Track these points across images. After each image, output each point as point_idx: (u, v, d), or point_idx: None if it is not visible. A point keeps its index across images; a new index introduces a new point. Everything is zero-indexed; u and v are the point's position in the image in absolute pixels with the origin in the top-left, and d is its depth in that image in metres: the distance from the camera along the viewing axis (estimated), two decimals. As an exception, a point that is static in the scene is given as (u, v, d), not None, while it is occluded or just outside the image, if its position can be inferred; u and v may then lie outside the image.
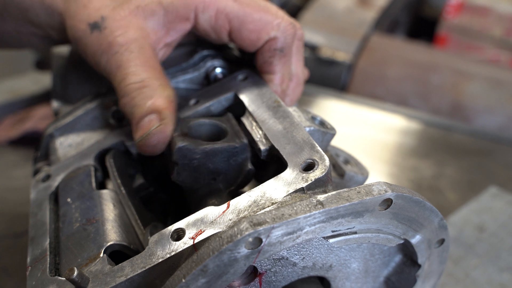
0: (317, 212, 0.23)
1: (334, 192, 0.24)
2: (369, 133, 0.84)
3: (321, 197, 0.23)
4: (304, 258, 0.27)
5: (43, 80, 0.90)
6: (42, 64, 0.79)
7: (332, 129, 0.33)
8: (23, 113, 0.84)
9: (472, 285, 0.47)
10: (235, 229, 0.22)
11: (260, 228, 0.22)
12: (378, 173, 0.72)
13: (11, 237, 0.60)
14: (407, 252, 0.31)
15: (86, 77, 0.41)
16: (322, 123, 0.33)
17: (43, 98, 0.86)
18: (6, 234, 0.60)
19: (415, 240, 0.28)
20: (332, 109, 0.96)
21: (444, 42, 1.67)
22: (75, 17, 0.34)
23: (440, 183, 0.70)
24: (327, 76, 1.28)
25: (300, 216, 0.22)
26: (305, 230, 0.23)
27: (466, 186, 0.70)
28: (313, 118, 0.33)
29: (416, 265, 0.31)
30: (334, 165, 0.35)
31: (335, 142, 0.35)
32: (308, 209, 0.23)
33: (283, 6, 1.62)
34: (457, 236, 0.54)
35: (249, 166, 0.30)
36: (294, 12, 1.63)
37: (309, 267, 0.28)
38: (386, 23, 1.47)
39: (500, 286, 0.47)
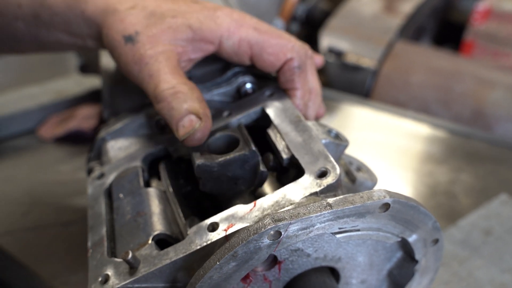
0: (326, 212, 0.28)
1: (341, 197, 0.29)
2: (389, 139, 0.88)
3: (330, 200, 0.29)
4: (316, 250, 0.32)
5: (85, 83, 0.98)
6: (85, 68, 0.87)
7: (346, 141, 0.38)
8: (67, 112, 0.91)
9: (475, 283, 0.51)
10: (260, 223, 0.28)
11: (280, 223, 0.27)
12: (395, 178, 0.76)
13: (59, 226, 0.67)
14: (406, 250, 0.36)
15: (130, 90, 0.48)
16: (337, 136, 0.38)
17: (85, 99, 0.94)
18: (54, 223, 0.68)
19: (411, 239, 0.33)
20: (356, 114, 1.00)
21: (471, 48, 1.67)
22: (111, 28, 0.39)
23: (455, 188, 0.74)
24: (353, 82, 1.32)
25: (313, 215, 0.28)
26: (316, 227, 0.28)
27: (480, 192, 0.73)
28: (329, 132, 0.38)
29: (414, 261, 0.35)
30: (347, 172, 0.40)
31: (356, 146, 0.40)
32: (319, 209, 0.28)
33: (311, 12, 1.66)
34: (464, 239, 0.58)
35: (262, 168, 0.35)
36: (322, 17, 1.66)
37: (321, 258, 0.33)
38: (411, 30, 1.49)
39: (501, 285, 0.51)
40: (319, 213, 0.28)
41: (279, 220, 0.28)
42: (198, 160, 0.36)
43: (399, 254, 0.37)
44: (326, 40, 1.35)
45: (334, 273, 0.36)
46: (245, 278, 0.32)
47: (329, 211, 0.28)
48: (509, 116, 1.10)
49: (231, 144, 0.38)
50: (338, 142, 0.37)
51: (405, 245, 0.35)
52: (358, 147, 0.83)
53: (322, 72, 1.59)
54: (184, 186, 0.40)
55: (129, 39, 0.39)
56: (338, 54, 1.32)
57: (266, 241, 0.28)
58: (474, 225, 0.60)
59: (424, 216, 0.32)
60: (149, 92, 0.39)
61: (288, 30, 1.65)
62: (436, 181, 0.75)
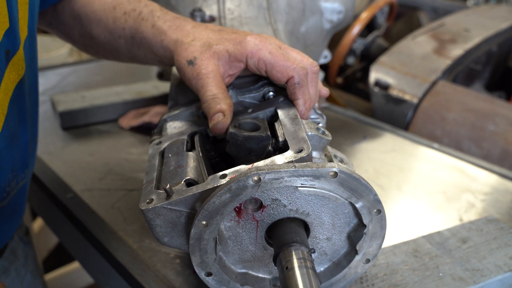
0: (291, 169, 0.43)
1: (304, 163, 0.44)
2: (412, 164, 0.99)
3: (297, 163, 0.44)
4: (290, 203, 0.47)
5: (160, 87, 1.20)
6: (161, 75, 1.08)
7: (329, 135, 0.53)
8: (143, 109, 1.13)
9: (438, 274, 0.62)
10: (248, 170, 0.43)
11: (260, 171, 0.43)
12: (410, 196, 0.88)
13: (125, 190, 0.86)
14: (359, 217, 0.49)
15: (187, 90, 0.66)
16: (323, 132, 0.53)
17: (159, 99, 1.15)
18: (122, 188, 0.87)
19: (358, 205, 0.47)
20: (394, 143, 1.12)
21: (522, 95, 1.71)
22: (180, 55, 0.57)
23: (456, 206, 0.84)
24: (394, 113, 1.43)
25: (282, 169, 0.43)
26: (285, 179, 0.44)
27: (478, 215, 0.83)
28: (317, 129, 0.53)
29: (363, 225, 0.49)
30: (330, 161, 0.55)
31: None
32: (287, 167, 0.43)
33: (368, 47, 1.80)
34: (442, 242, 0.69)
35: (270, 148, 0.51)
36: (378, 53, 1.80)
37: (294, 210, 0.48)
38: (462, 73, 1.58)
39: (459, 279, 0.62)
40: (287, 169, 0.43)
41: (260, 170, 0.43)
42: (232, 129, 0.52)
43: (355, 221, 0.50)
44: (375, 73, 1.48)
45: (306, 228, 0.50)
46: (239, 213, 0.48)
47: (293, 169, 0.43)
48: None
49: (254, 128, 0.54)
50: (322, 136, 0.52)
51: (357, 214, 0.49)
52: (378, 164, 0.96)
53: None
54: (214, 157, 0.57)
55: (190, 62, 0.57)
56: (384, 87, 1.44)
57: (250, 182, 0.43)
58: (454, 233, 0.71)
59: (366, 188, 0.46)
60: (200, 96, 0.56)
61: (345, 62, 1.80)
62: (446, 202, 0.86)
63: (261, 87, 0.62)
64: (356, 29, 1.65)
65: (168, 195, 0.48)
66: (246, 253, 0.51)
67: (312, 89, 0.57)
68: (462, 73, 1.54)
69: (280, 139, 0.51)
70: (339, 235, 0.51)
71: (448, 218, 0.82)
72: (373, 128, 1.16)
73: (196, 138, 0.57)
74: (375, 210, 0.48)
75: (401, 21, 2.25)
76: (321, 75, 1.10)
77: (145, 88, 1.18)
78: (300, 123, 0.52)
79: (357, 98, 1.89)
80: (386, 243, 0.69)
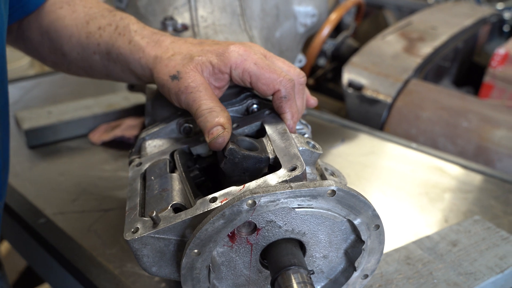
0: (288, 190, 0.41)
1: (301, 183, 0.42)
2: (396, 166, 0.99)
3: (292, 183, 0.42)
4: (286, 223, 0.45)
5: (132, 98, 1.15)
6: (132, 87, 1.03)
7: (319, 149, 0.51)
8: (115, 122, 1.08)
9: (432, 281, 0.61)
10: (242, 194, 0.41)
11: (255, 195, 0.40)
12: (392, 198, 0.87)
13: (101, 211, 0.82)
14: (357, 233, 0.47)
15: (166, 104, 0.62)
16: (314, 146, 0.51)
17: (131, 111, 1.10)
18: (97, 209, 0.82)
19: (356, 222, 0.45)
20: (367, 142, 1.11)
21: (489, 90, 1.75)
22: (160, 72, 0.54)
23: (440, 207, 0.84)
24: (369, 113, 1.44)
25: (278, 191, 0.41)
26: (281, 201, 0.41)
27: (462, 214, 0.83)
28: (307, 142, 0.51)
29: (361, 241, 0.47)
30: (321, 175, 0.53)
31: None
32: (283, 188, 0.41)
33: (338, 47, 1.81)
34: (433, 247, 0.68)
35: (266, 170, 0.48)
36: (349, 53, 1.80)
37: (290, 231, 0.45)
38: (431, 70, 1.60)
39: (454, 284, 0.61)
40: (283, 191, 0.41)
41: (255, 193, 0.41)
42: (232, 145, 0.49)
43: (352, 237, 0.48)
44: (347, 74, 1.48)
45: (301, 246, 0.48)
46: (232, 238, 0.45)
47: (290, 190, 0.41)
48: (510, 153, 1.18)
49: (251, 147, 0.51)
50: (313, 150, 0.50)
51: (355, 229, 0.47)
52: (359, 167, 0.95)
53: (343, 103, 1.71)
54: (199, 176, 0.54)
55: (174, 77, 0.53)
56: (357, 88, 1.45)
57: (245, 207, 0.41)
58: (444, 237, 0.71)
59: (364, 204, 0.44)
60: (192, 111, 0.52)
61: (316, 63, 1.80)
62: (427, 199, 0.85)
63: (244, 99, 0.59)
64: (326, 30, 1.65)
65: (155, 223, 0.45)
66: (240, 277, 0.48)
67: (299, 101, 0.55)
68: (431, 70, 1.56)
69: (271, 156, 0.49)
70: (336, 252, 0.49)
71: (434, 219, 0.82)
72: (350, 130, 1.15)
73: (177, 157, 0.54)
74: (373, 226, 0.46)
75: (367, 21, 2.27)
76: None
77: (115, 100, 1.13)
78: (290, 138, 0.50)
79: (329, 98, 1.89)
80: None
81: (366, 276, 0.50)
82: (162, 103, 0.63)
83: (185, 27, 0.84)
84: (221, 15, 0.85)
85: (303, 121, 0.63)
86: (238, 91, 0.60)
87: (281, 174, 0.45)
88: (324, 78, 1.91)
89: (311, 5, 1.01)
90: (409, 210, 0.84)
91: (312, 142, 0.52)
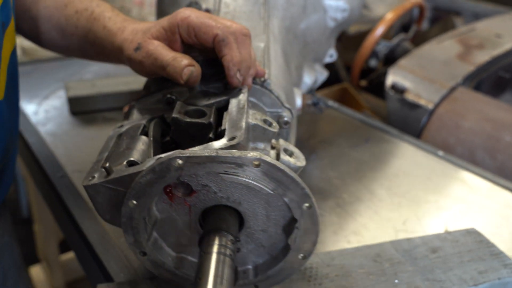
0: (214, 155, 0.43)
1: (228, 150, 0.44)
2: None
3: (220, 150, 0.44)
4: (220, 190, 0.47)
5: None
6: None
7: (275, 128, 0.53)
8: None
9: (394, 281, 0.60)
10: (172, 154, 0.44)
11: (182, 155, 0.44)
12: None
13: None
14: (292, 212, 0.48)
15: (158, 79, 0.67)
16: (270, 124, 0.53)
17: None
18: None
19: (286, 198, 0.46)
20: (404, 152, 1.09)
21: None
22: (127, 50, 0.61)
23: (439, 216, 0.81)
24: (409, 118, 1.39)
25: (204, 155, 0.43)
26: (207, 164, 0.44)
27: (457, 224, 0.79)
28: (264, 120, 0.53)
29: (295, 219, 0.48)
30: (278, 154, 0.54)
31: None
32: (209, 153, 0.44)
33: (392, 50, 1.75)
34: (409, 249, 0.66)
35: (211, 135, 0.51)
36: (403, 56, 1.74)
37: (225, 198, 0.48)
38: (488, 81, 1.50)
39: None
40: (208, 155, 0.43)
41: (183, 154, 0.44)
42: (175, 115, 0.53)
43: (290, 215, 0.49)
44: (392, 76, 1.44)
45: (241, 218, 0.50)
46: (171, 196, 0.48)
47: (215, 155, 0.43)
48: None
49: (201, 115, 0.55)
50: (266, 127, 0.52)
51: (289, 208, 0.48)
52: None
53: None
54: (167, 139, 0.58)
55: (137, 49, 0.60)
56: (400, 91, 1.40)
57: (173, 164, 0.44)
58: (426, 242, 0.68)
59: (292, 181, 0.45)
60: (159, 67, 0.58)
61: (368, 64, 1.76)
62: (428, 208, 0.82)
63: (224, 77, 0.62)
64: (380, 30, 1.60)
65: (108, 173, 0.50)
66: (183, 237, 0.52)
67: (243, 51, 0.57)
68: (488, 81, 1.46)
69: (223, 127, 0.51)
70: (275, 227, 0.50)
71: (433, 227, 0.79)
72: (377, 132, 1.13)
73: (152, 123, 0.58)
74: (305, 205, 0.47)
75: (436, 26, 2.17)
76: (326, 73, 1.08)
77: (153, 79, 1.21)
78: (245, 112, 0.52)
79: (383, 101, 1.84)
80: (354, 245, 0.68)
81: (304, 257, 0.51)
82: (156, 78, 0.68)
83: (207, 11, 0.89)
84: (243, 2, 0.88)
85: (287, 105, 0.65)
86: (222, 70, 0.63)
87: (221, 142, 0.47)
88: (378, 81, 1.87)
89: (342, 0, 1.00)
90: (410, 214, 0.82)
91: (270, 121, 0.53)
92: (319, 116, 1.20)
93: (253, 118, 0.52)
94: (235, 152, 0.44)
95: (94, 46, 0.68)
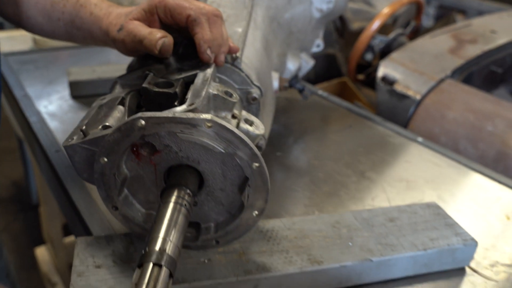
0: (170, 115, 0.49)
1: (183, 112, 0.50)
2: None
3: (177, 113, 0.50)
4: (181, 150, 0.53)
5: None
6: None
7: (235, 98, 0.59)
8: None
9: (348, 244, 0.65)
10: (135, 115, 0.50)
11: (143, 115, 0.50)
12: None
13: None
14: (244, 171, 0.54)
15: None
16: (231, 95, 0.59)
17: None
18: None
19: (237, 158, 0.52)
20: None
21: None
22: (111, 32, 0.67)
23: (418, 197, 0.85)
24: (397, 108, 1.43)
25: (162, 115, 0.50)
26: (165, 124, 0.50)
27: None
28: (226, 92, 0.59)
29: (247, 178, 0.54)
30: (238, 123, 0.60)
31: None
32: (166, 114, 0.50)
33: (390, 43, 1.79)
34: (368, 218, 0.71)
35: (176, 104, 0.57)
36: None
37: (185, 157, 0.54)
38: (479, 75, 1.53)
39: (368, 250, 0.64)
40: (167, 116, 0.50)
41: (145, 115, 0.50)
42: (144, 85, 0.59)
43: (243, 175, 0.55)
44: (383, 69, 1.48)
45: (201, 178, 0.56)
46: (137, 155, 0.55)
47: (172, 116, 0.49)
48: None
49: (169, 86, 0.61)
50: (226, 97, 0.58)
51: (242, 168, 0.54)
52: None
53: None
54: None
55: (120, 29, 0.66)
56: (390, 82, 1.44)
57: (136, 124, 0.50)
58: (385, 213, 0.73)
59: (241, 141, 0.51)
60: (138, 42, 0.64)
61: (363, 58, 1.80)
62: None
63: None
64: (376, 24, 1.64)
65: (85, 135, 0.56)
66: (151, 194, 0.58)
67: (215, 30, 0.62)
68: (479, 75, 1.49)
69: (187, 96, 0.57)
70: (231, 187, 0.56)
71: (400, 203, 0.83)
72: (361, 118, 1.18)
73: (129, 95, 0.64)
74: (255, 165, 0.52)
75: (438, 24, 2.19)
76: (311, 62, 1.14)
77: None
78: (207, 84, 0.58)
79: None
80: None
81: (257, 214, 0.57)
82: (139, 57, 0.74)
83: (195, 1, 0.95)
84: (230, -8, 0.94)
85: (257, 83, 0.71)
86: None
87: (182, 108, 0.53)
88: (375, 75, 1.90)
89: (327, -9, 1.05)
90: (378, 193, 0.86)
91: (231, 92, 0.59)
92: (307, 105, 1.25)
93: (215, 89, 0.58)
94: (190, 114, 0.50)
95: (80, 30, 0.72)
